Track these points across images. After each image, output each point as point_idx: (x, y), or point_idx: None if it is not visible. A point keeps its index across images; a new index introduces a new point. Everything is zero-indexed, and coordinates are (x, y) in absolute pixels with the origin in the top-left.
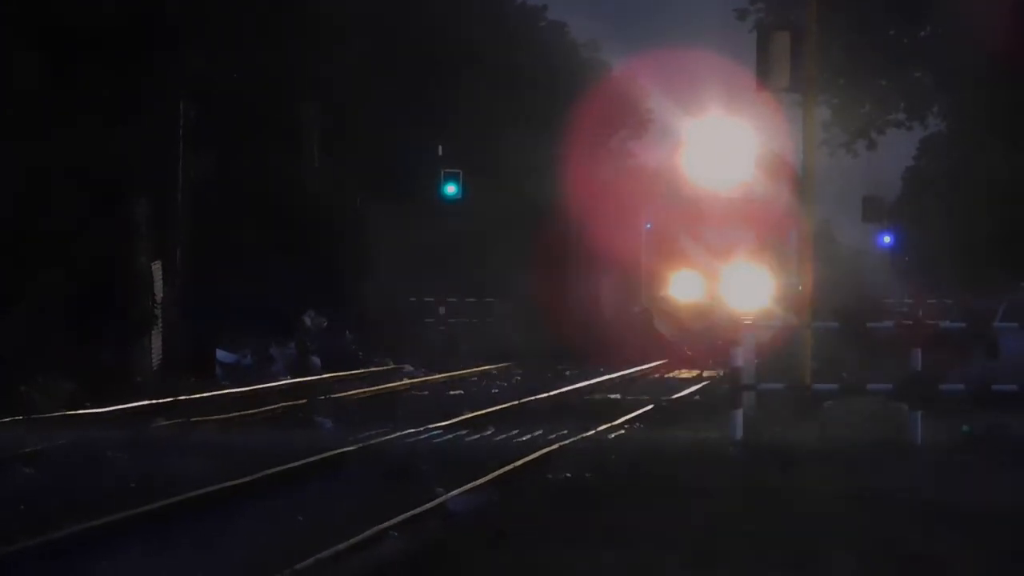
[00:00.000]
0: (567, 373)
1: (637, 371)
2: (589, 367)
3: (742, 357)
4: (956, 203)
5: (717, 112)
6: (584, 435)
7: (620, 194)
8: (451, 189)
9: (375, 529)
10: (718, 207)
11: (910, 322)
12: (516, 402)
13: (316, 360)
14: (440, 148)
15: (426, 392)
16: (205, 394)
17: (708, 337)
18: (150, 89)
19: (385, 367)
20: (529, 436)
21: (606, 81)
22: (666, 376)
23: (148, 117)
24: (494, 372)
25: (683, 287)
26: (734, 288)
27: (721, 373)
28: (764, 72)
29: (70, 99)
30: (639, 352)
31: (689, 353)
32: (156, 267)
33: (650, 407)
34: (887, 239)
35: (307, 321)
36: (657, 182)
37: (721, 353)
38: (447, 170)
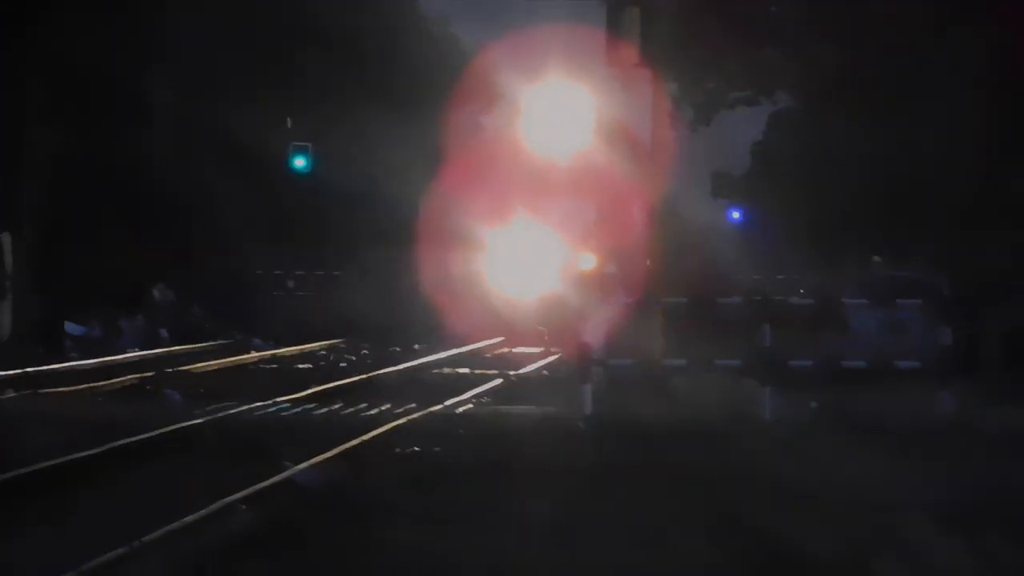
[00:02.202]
0: (415, 347)
1: (483, 346)
2: (436, 342)
3: (591, 332)
4: (804, 178)
5: (558, 79)
6: (432, 409)
7: (466, 168)
8: (300, 162)
9: (222, 502)
10: (558, 177)
11: (759, 298)
12: (364, 376)
13: (164, 333)
14: (289, 121)
15: (275, 365)
16: (53, 366)
17: (548, 314)
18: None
19: (233, 340)
20: (377, 410)
21: (457, 55)
22: (512, 351)
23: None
24: (342, 346)
25: (519, 262)
26: (574, 263)
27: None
28: (614, 46)
29: None
30: (482, 328)
31: (541, 330)
32: (5, 239)
33: (498, 381)
34: (736, 215)
35: (156, 294)
36: (499, 153)
37: (565, 329)
38: (296, 143)
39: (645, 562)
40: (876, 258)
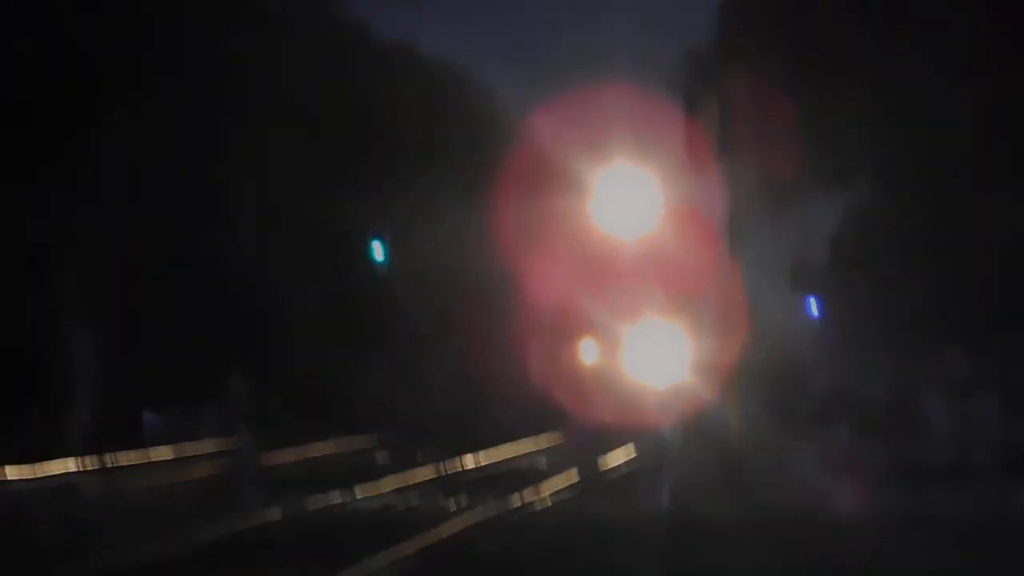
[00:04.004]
0: (493, 437)
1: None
2: (510, 433)
3: (669, 429)
4: (882, 270)
5: (627, 161)
6: (510, 505)
7: (526, 250)
8: (378, 252)
9: None
10: (625, 262)
11: (836, 395)
12: (445, 470)
13: (243, 424)
14: (368, 214)
15: (353, 459)
16: (132, 460)
17: (616, 409)
18: (80, 156)
19: (312, 431)
20: (454, 505)
21: (522, 141)
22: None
23: (78, 185)
24: (420, 438)
25: (587, 353)
26: (643, 354)
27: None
28: (692, 138)
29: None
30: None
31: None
32: (84, 336)
33: (577, 479)
34: (814, 308)
35: (235, 384)
36: (564, 236)
37: (637, 424)
38: (374, 232)
39: None
40: (954, 349)
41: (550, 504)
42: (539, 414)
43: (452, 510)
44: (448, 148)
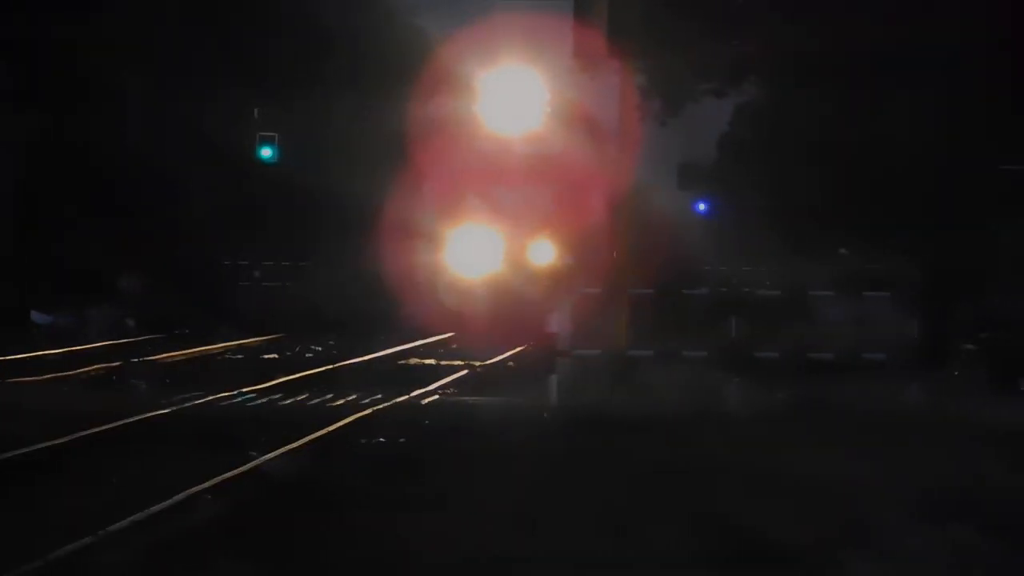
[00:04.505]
0: (381, 338)
1: (444, 338)
2: (397, 333)
3: (557, 323)
4: (770, 169)
5: (521, 67)
6: (398, 400)
7: (427, 157)
8: (267, 152)
9: (190, 491)
10: (517, 165)
11: (725, 289)
12: (330, 366)
13: (131, 322)
14: (256, 112)
15: (240, 356)
16: (19, 355)
17: (505, 306)
18: None
19: (199, 330)
20: (343, 400)
21: (421, 46)
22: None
23: None
24: (307, 336)
25: (477, 252)
26: (533, 252)
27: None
28: (581, 37)
29: None
30: (434, 321)
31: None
32: None
33: (464, 372)
34: (702, 206)
35: (123, 284)
36: (459, 141)
37: (526, 323)
38: (263, 133)
39: (605, 550)
40: (842, 250)
41: (438, 397)
42: (428, 313)
43: (340, 405)
44: (341, 47)
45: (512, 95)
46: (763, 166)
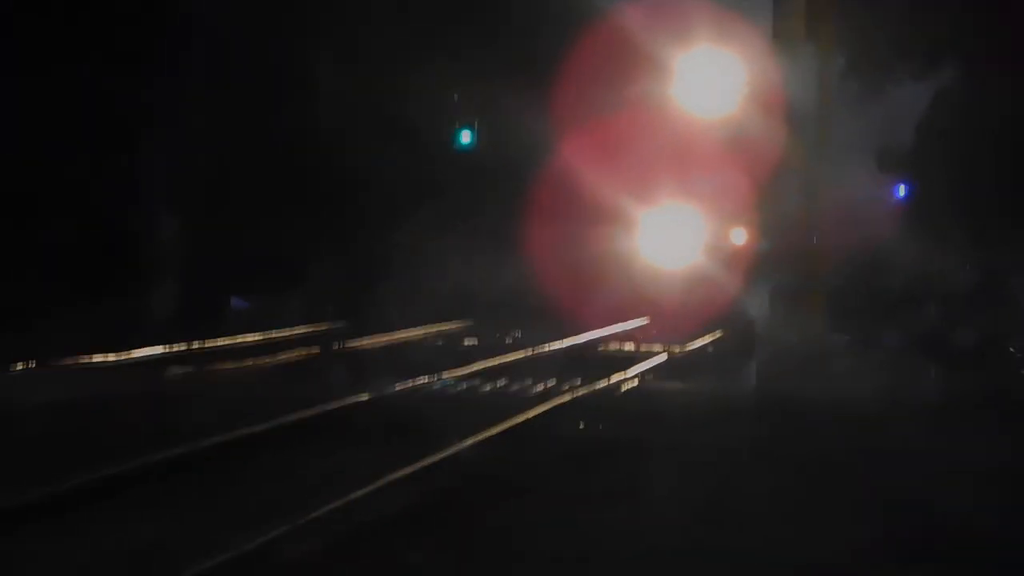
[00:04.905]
0: (577, 324)
1: (639, 324)
2: (595, 319)
3: (755, 309)
4: (966, 155)
5: (715, 48)
6: (596, 387)
7: (618, 137)
8: (466, 138)
9: (389, 478)
10: (709, 146)
11: (923, 275)
12: (530, 352)
13: (330, 307)
14: (456, 96)
15: (440, 342)
16: (218, 342)
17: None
18: (158, 28)
19: (398, 314)
20: (542, 386)
21: (600, 22)
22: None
23: (161, 61)
24: (503, 323)
25: (672, 237)
26: (729, 237)
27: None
28: (780, 21)
29: (80, 36)
30: (630, 308)
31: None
32: (169, 215)
33: (662, 358)
34: (902, 190)
35: (319, 270)
36: (650, 119)
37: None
38: (463, 118)
39: (793, 541)
40: None
41: (637, 384)
42: (625, 299)
43: (540, 391)
44: (532, 31)
45: (709, 77)
46: (958, 152)
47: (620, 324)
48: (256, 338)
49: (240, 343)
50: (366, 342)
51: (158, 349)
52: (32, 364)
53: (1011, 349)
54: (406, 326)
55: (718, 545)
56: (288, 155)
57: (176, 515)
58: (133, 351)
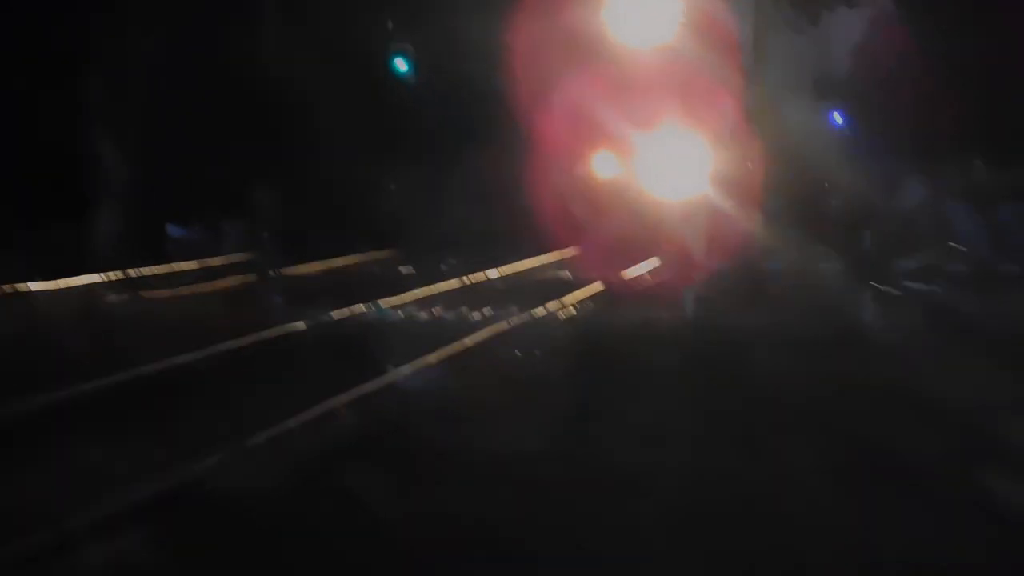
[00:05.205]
0: (517, 251)
1: (578, 252)
2: (535, 247)
3: (692, 238)
4: (904, 83)
5: None
6: (533, 314)
7: (544, 64)
8: (401, 65)
9: (325, 406)
10: (642, 72)
11: (862, 202)
12: (466, 279)
13: (266, 235)
14: (390, 23)
15: (376, 269)
16: (155, 269)
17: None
18: None
19: (335, 242)
20: (479, 314)
21: None
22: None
23: None
24: (443, 250)
25: (604, 164)
26: (660, 168)
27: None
28: None
29: None
30: (569, 236)
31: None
32: (108, 144)
33: (599, 287)
34: (838, 118)
35: (258, 196)
36: (585, 50)
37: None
38: (397, 44)
39: (733, 463)
40: (977, 161)
41: (575, 313)
42: (557, 228)
43: (477, 320)
44: None
45: (645, 7)
46: (895, 80)
47: (560, 252)
48: (192, 266)
49: (177, 270)
50: (302, 269)
51: (95, 277)
52: None
53: (946, 271)
54: (343, 253)
55: (658, 463)
56: (228, 83)
57: (118, 442)
58: (71, 279)
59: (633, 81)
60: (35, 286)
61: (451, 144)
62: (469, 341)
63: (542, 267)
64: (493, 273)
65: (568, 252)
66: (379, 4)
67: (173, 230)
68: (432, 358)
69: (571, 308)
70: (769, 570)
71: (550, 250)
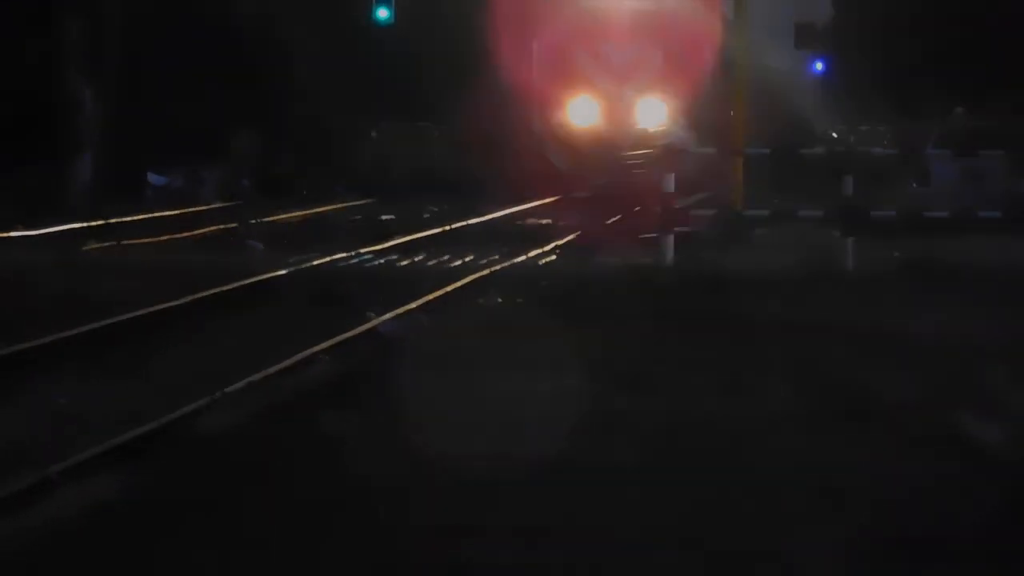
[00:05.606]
0: (497, 199)
1: (558, 198)
2: (515, 194)
3: (672, 184)
4: (884, 27)
5: None
6: (514, 261)
7: (525, 11)
8: (383, 13)
9: (306, 352)
10: (622, 18)
11: (841, 148)
12: (448, 227)
13: (246, 182)
14: None
15: (358, 216)
16: (136, 216)
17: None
18: None
19: (315, 190)
20: (460, 261)
21: None
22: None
23: None
24: (425, 197)
25: (581, 112)
26: (643, 113)
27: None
28: None
29: None
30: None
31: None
32: (87, 89)
33: (579, 233)
34: (819, 66)
35: (238, 144)
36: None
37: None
38: None
39: (711, 406)
40: (958, 109)
41: (555, 258)
42: (539, 175)
43: (456, 264)
44: None
45: None
46: (876, 25)
47: (541, 199)
48: (174, 212)
49: (158, 216)
50: (282, 216)
51: (78, 224)
52: None
53: (925, 218)
54: (325, 201)
55: (634, 409)
56: (208, 31)
57: (104, 385)
58: (53, 226)
59: (613, 28)
60: (18, 232)
61: (432, 92)
62: (449, 288)
63: (523, 214)
64: (472, 220)
65: (549, 199)
66: None
67: (154, 178)
68: (412, 305)
69: (552, 255)
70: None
71: (532, 198)
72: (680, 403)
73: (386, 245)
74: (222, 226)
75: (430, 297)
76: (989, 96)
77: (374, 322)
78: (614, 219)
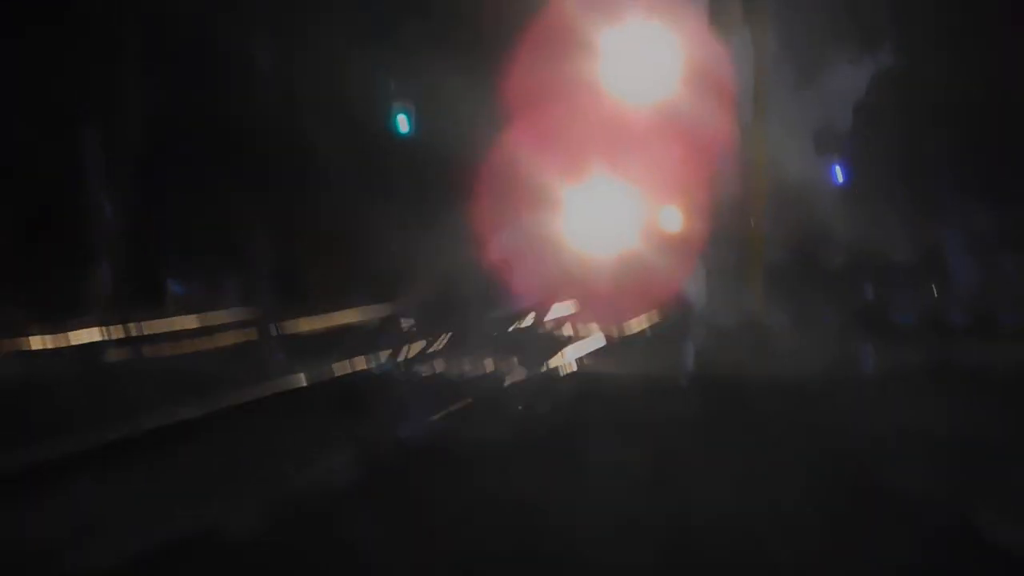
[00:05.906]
0: (513, 306)
1: (575, 307)
2: (529, 302)
3: (692, 292)
4: (903, 132)
5: (647, 25)
6: (535, 369)
7: (543, 119)
8: (403, 124)
9: (326, 459)
10: (642, 127)
11: (861, 255)
12: (467, 333)
13: (267, 289)
14: (392, 84)
15: (378, 324)
16: (156, 323)
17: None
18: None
19: (335, 297)
20: (481, 370)
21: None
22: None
23: (98, 40)
24: (444, 304)
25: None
26: (663, 220)
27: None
28: (716, 5)
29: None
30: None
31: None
32: (104, 197)
33: (599, 341)
34: (839, 172)
35: (257, 250)
36: (579, 101)
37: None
38: (399, 104)
39: (731, 502)
40: (978, 214)
41: (574, 367)
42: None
43: (479, 375)
44: (466, 15)
45: (646, 61)
46: (896, 130)
47: (557, 307)
48: (194, 323)
49: (178, 328)
50: (304, 326)
51: (96, 333)
52: None
53: (948, 322)
54: (343, 308)
55: (660, 504)
56: (226, 137)
57: (126, 492)
58: (71, 333)
59: (630, 137)
60: (37, 341)
61: (442, 201)
62: (470, 396)
63: (538, 319)
64: (490, 326)
65: (568, 306)
66: (376, 62)
67: (174, 287)
68: (438, 415)
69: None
70: None
71: (544, 306)
72: (695, 499)
73: (407, 353)
74: (243, 333)
75: (455, 407)
76: (1010, 197)
77: (398, 431)
78: (635, 326)
